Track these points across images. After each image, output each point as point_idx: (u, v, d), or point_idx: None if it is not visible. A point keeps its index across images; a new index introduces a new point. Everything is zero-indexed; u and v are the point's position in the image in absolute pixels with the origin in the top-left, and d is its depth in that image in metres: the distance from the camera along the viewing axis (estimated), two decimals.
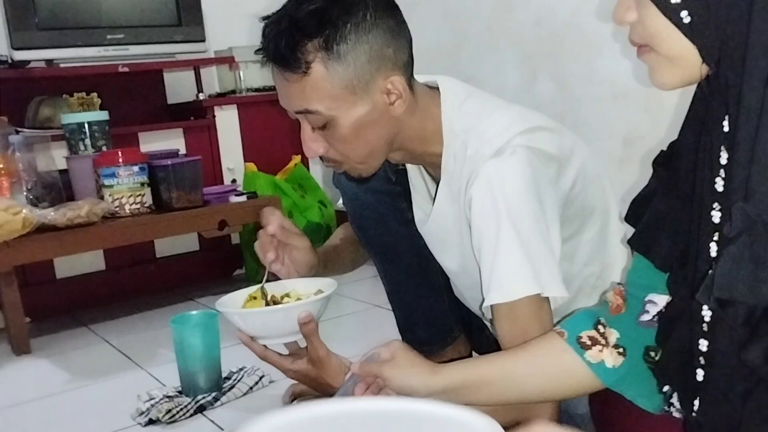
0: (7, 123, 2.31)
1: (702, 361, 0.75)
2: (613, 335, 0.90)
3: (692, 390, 0.77)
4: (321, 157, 1.12)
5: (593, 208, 1.14)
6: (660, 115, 2.08)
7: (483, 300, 1.03)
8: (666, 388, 0.88)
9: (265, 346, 1.15)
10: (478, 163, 1.04)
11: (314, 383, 1.14)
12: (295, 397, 1.45)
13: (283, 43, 1.01)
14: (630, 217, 0.88)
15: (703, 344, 0.75)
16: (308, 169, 2.95)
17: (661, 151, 0.87)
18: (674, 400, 0.89)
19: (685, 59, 0.70)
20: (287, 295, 1.23)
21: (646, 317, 0.88)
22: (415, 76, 1.13)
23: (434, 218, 1.18)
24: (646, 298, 0.87)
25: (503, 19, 2.50)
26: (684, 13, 0.67)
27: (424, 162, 1.19)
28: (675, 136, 0.87)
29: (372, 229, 1.35)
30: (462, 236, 1.12)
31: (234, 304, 1.20)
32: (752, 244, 0.63)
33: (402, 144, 1.12)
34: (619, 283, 0.93)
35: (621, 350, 0.89)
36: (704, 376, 0.75)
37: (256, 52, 1.06)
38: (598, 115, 2.26)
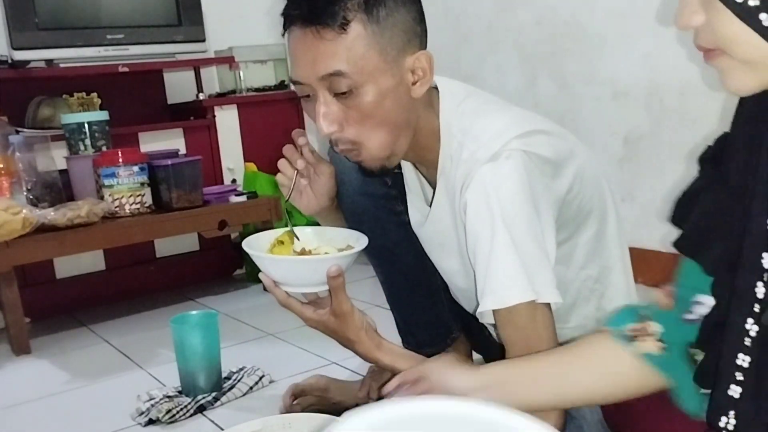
0: (7, 123, 2.32)
1: (740, 376, 0.71)
2: (656, 328, 0.86)
3: (727, 403, 0.73)
4: (332, 143, 1.08)
5: (590, 211, 1.14)
6: (660, 115, 2.08)
7: (477, 304, 1.03)
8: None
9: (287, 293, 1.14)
10: (473, 166, 1.03)
11: (334, 335, 1.14)
12: (296, 397, 1.45)
13: None
14: (675, 218, 0.83)
15: (744, 359, 0.70)
16: None
17: (708, 146, 0.81)
18: None
19: (764, 63, 0.64)
20: (314, 249, 1.20)
21: (690, 316, 0.83)
22: None
23: (432, 220, 1.18)
24: (694, 299, 0.82)
25: (504, 19, 2.50)
26: (764, 16, 0.61)
27: (423, 160, 1.18)
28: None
29: (368, 232, 1.35)
30: (459, 238, 1.11)
31: (260, 246, 1.17)
32: None
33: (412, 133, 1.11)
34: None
35: (662, 345, 0.86)
36: (741, 394, 0.71)
37: (283, 13, 1.02)
38: (598, 115, 2.26)
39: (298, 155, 1.20)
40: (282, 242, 1.19)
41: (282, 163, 1.21)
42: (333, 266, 1.06)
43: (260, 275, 1.13)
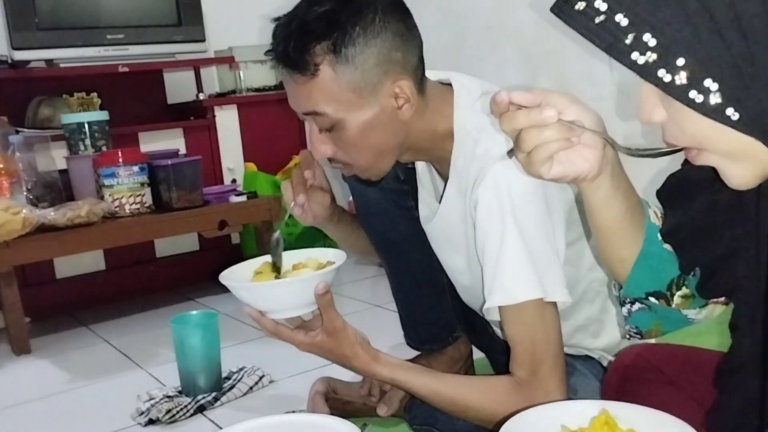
0: (7, 123, 2.32)
1: None
2: None
3: None
4: (329, 159, 1.12)
5: None
6: None
7: (484, 301, 1.03)
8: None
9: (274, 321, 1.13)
10: (486, 163, 1.03)
11: (329, 354, 1.13)
12: (327, 399, 1.43)
13: (292, 45, 1.01)
14: (663, 195, 0.81)
15: None
16: None
17: None
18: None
19: (750, 151, 0.59)
20: (290, 273, 1.18)
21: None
22: (427, 73, 1.13)
23: (441, 215, 1.18)
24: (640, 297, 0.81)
25: (504, 19, 2.50)
26: (730, 111, 0.57)
27: (433, 158, 1.19)
28: None
29: (378, 226, 1.35)
30: (467, 235, 1.11)
31: (239, 278, 1.16)
32: None
33: (411, 145, 1.12)
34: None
35: None
36: None
37: (266, 53, 1.06)
38: None
39: (301, 188, 1.23)
40: (260, 272, 1.17)
41: (285, 187, 1.26)
42: (320, 284, 1.08)
43: (244, 308, 1.12)
